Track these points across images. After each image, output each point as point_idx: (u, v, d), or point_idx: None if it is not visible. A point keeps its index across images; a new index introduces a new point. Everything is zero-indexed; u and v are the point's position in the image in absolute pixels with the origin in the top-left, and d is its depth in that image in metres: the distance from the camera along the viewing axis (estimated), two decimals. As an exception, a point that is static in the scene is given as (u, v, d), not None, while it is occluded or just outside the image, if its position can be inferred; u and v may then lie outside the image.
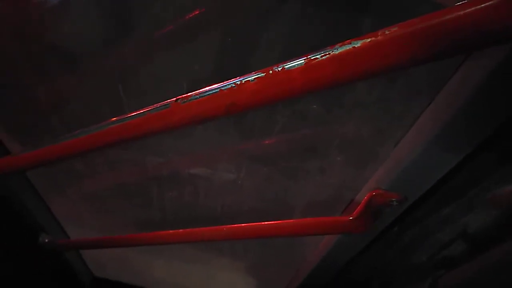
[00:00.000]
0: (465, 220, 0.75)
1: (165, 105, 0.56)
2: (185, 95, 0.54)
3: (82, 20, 0.74)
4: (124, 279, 1.70)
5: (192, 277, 1.56)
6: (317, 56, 0.45)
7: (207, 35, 0.71)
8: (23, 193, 1.14)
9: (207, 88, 0.53)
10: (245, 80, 0.50)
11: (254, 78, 0.49)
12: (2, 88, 0.87)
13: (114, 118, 0.63)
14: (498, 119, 0.61)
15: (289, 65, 0.47)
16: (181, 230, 1.04)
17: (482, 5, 0.38)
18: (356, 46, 0.44)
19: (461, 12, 0.40)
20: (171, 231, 1.06)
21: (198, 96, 0.53)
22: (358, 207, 0.76)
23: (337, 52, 0.45)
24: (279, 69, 0.48)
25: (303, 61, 0.46)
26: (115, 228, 1.37)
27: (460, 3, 0.39)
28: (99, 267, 1.67)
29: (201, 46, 0.73)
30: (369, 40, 0.43)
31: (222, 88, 0.51)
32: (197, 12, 0.68)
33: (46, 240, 1.28)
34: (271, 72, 0.48)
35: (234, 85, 0.51)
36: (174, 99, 0.55)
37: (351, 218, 0.77)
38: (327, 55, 0.45)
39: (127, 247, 1.35)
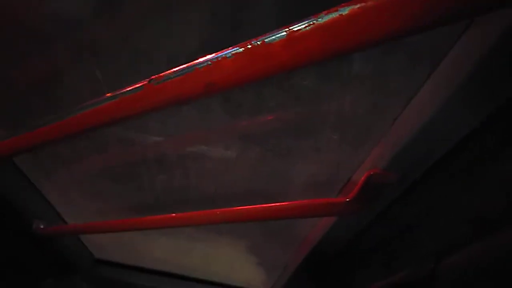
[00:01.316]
0: (470, 200, 0.71)
1: (138, 87, 0.51)
2: (158, 76, 0.49)
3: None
4: (125, 260, 1.70)
5: (192, 256, 1.55)
6: (300, 27, 0.40)
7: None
8: (12, 180, 1.11)
9: (181, 67, 0.48)
10: (222, 56, 0.44)
11: (232, 54, 0.44)
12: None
13: (88, 102, 0.58)
14: (502, 94, 0.56)
15: (269, 38, 0.42)
16: (176, 214, 1.01)
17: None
18: (343, 13, 0.38)
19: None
20: (167, 215, 1.03)
21: (172, 76, 0.48)
22: (355, 188, 0.72)
23: (322, 21, 0.39)
24: (258, 43, 0.43)
25: (284, 33, 0.41)
26: (113, 212, 1.34)
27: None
28: (99, 249, 1.66)
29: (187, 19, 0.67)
30: (358, 6, 0.37)
31: (198, 67, 0.46)
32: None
33: (41, 226, 1.26)
34: (249, 46, 0.43)
35: (210, 62, 0.45)
36: (147, 80, 0.50)
37: (347, 200, 0.73)
38: (312, 25, 0.39)
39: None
